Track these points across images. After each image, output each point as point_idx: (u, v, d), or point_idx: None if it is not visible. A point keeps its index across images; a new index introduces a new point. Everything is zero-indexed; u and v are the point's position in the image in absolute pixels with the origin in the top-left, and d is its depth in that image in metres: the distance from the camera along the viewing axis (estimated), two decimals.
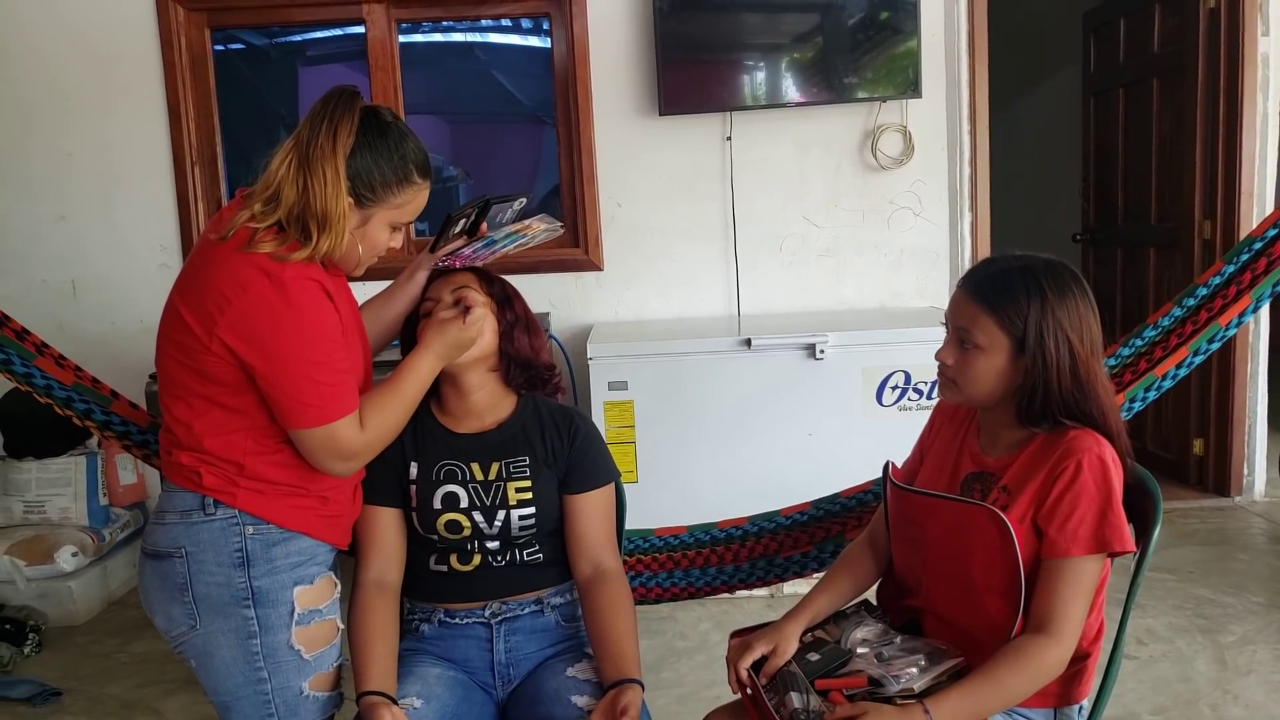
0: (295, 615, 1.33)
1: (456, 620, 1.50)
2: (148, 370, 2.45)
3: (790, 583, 2.53)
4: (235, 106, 3.49)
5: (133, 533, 3.28)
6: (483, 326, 1.43)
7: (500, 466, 1.48)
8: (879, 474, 1.74)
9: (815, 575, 1.71)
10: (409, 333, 1.54)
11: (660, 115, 3.20)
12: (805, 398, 2.87)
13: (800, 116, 3.30)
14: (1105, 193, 4.23)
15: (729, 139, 3.31)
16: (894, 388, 2.87)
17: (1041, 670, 1.20)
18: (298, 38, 3.84)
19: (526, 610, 1.51)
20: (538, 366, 1.53)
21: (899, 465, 1.48)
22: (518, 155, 4.19)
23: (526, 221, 1.59)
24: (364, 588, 1.46)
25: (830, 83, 3.20)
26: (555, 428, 1.52)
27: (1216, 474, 3.65)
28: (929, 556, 1.32)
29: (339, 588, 1.41)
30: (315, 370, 1.26)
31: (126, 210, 3.38)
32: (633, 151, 3.33)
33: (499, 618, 1.49)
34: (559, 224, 1.64)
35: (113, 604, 3.15)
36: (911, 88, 3.18)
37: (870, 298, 3.42)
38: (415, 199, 1.36)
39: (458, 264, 1.54)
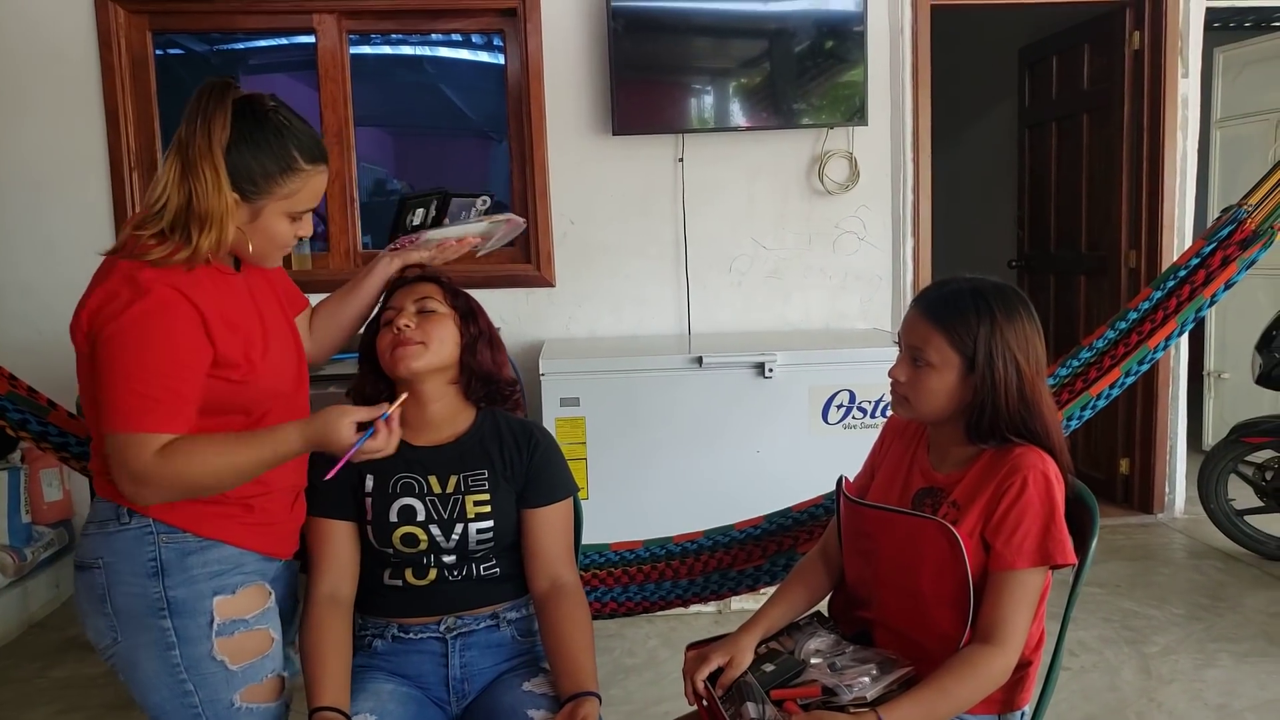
0: (215, 625, 1.30)
1: (411, 635, 1.47)
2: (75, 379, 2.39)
3: (737, 598, 2.57)
4: (175, 113, 3.42)
5: (56, 551, 3.15)
6: (376, 446, 1.28)
7: (459, 479, 1.47)
8: (825, 490, 1.79)
9: (767, 589, 1.74)
10: (369, 341, 1.52)
11: (614, 135, 3.24)
12: (754, 415, 2.92)
13: (751, 140, 3.37)
14: (1039, 221, 4.40)
15: (681, 160, 3.36)
16: (839, 406, 2.94)
17: (988, 679, 1.24)
18: (240, 45, 3.78)
19: (482, 625, 1.49)
20: (499, 381, 1.53)
21: (851, 480, 1.52)
22: (464, 170, 4.19)
23: (499, 216, 1.60)
24: (317, 603, 1.43)
25: (779, 108, 3.28)
26: (514, 441, 1.51)
27: (1141, 492, 3.81)
28: (881, 569, 1.36)
29: (272, 596, 1.37)
30: (136, 373, 1.20)
31: (59, 214, 3.27)
32: (586, 169, 3.35)
33: (454, 632, 1.47)
34: (522, 220, 1.65)
35: (33, 626, 3.01)
36: (858, 115, 3.28)
37: (816, 319, 3.50)
38: (306, 186, 1.30)
39: (408, 245, 1.52)
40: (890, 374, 1.37)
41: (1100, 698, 2.44)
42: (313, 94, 3.40)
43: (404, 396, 1.27)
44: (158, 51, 3.36)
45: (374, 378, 1.52)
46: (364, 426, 1.27)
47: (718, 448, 2.91)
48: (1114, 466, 3.89)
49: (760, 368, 2.89)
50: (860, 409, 2.93)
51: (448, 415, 1.51)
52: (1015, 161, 4.65)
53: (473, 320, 1.51)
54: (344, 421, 1.23)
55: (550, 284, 3.40)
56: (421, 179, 4.21)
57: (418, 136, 4.47)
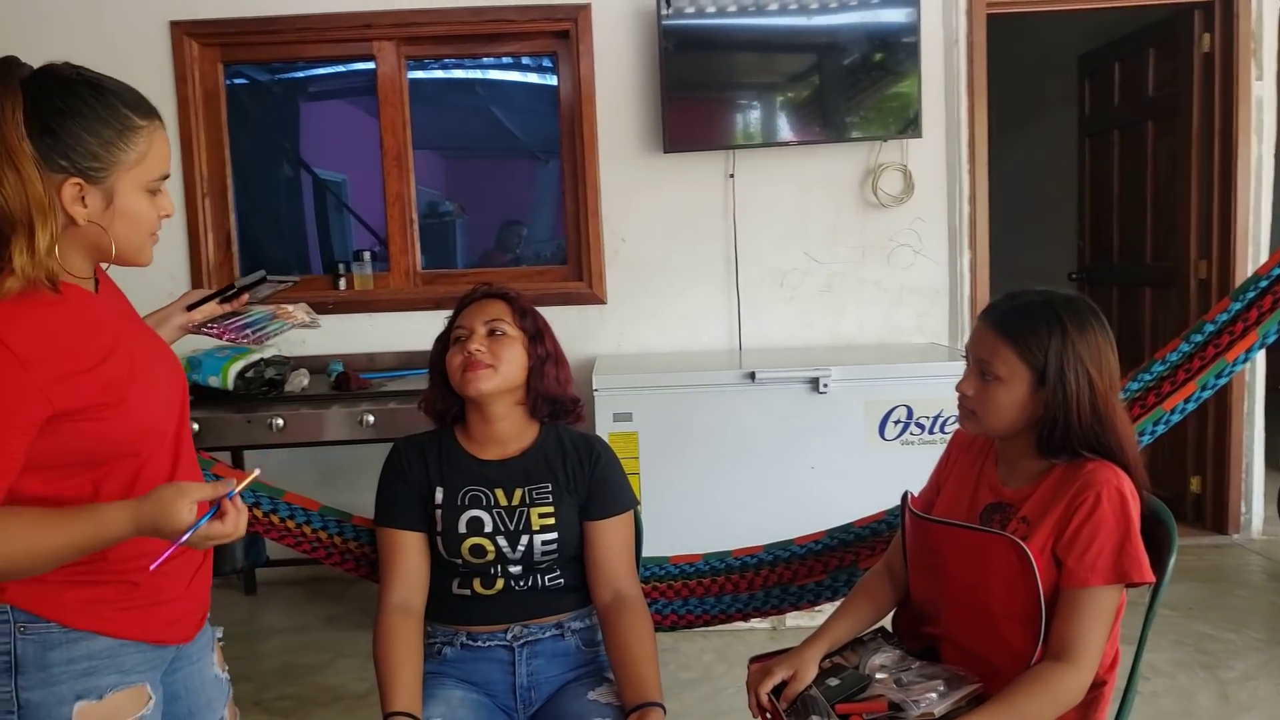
0: None
1: (478, 643, 1.52)
2: None
3: (791, 614, 2.53)
4: (239, 141, 3.51)
5: None
6: (218, 531, 1.06)
7: (524, 492, 1.51)
8: (882, 507, 1.77)
9: (828, 604, 1.72)
10: (438, 356, 1.56)
11: (665, 153, 3.25)
12: (808, 431, 2.89)
13: (802, 155, 3.35)
14: (1101, 232, 4.30)
15: (732, 176, 3.36)
16: (896, 422, 2.89)
17: (1062, 698, 1.22)
18: (299, 74, 3.89)
19: (547, 634, 1.53)
20: (564, 400, 1.57)
21: (915, 495, 1.50)
22: (513, 191, 4.25)
23: (289, 308, 1.61)
24: (388, 611, 1.47)
25: (830, 122, 3.26)
26: (576, 455, 1.56)
27: (1214, 512, 3.67)
28: (949, 585, 1.34)
29: (152, 702, 1.16)
30: None
31: None
32: (637, 187, 3.38)
33: (520, 641, 1.51)
34: (317, 318, 1.67)
35: None
36: (912, 127, 3.24)
37: (870, 333, 3.46)
38: (152, 147, 1.13)
39: (223, 336, 1.50)
40: (958, 388, 1.35)
41: None
42: (366, 118, 3.48)
43: (255, 473, 1.14)
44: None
45: (444, 390, 1.57)
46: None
47: (771, 464, 2.89)
48: (1184, 484, 3.76)
49: (814, 383, 2.86)
50: (918, 425, 2.88)
51: (514, 432, 1.56)
52: (1073, 170, 4.55)
53: (540, 342, 1.55)
54: (182, 503, 1.02)
55: (602, 301, 3.42)
56: (472, 200, 4.27)
57: (468, 159, 4.54)
